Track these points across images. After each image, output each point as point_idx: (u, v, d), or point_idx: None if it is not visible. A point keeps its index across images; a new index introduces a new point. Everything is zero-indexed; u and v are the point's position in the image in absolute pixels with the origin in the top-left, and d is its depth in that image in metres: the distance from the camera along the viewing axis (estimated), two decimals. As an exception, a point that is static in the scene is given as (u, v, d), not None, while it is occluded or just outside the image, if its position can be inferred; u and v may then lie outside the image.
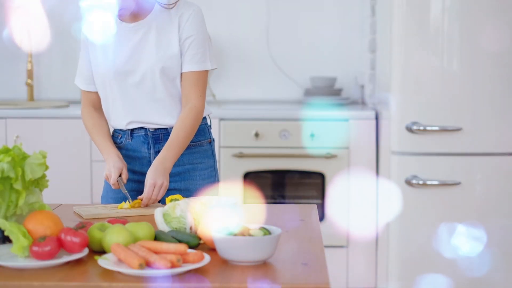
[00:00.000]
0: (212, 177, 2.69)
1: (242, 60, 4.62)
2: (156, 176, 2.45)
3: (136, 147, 2.63)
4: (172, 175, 2.57)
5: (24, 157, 1.94)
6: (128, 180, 2.62)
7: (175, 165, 2.57)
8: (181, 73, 2.58)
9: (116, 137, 2.68)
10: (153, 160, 2.60)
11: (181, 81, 2.58)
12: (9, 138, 4.07)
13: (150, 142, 2.61)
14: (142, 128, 2.61)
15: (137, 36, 2.54)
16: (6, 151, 1.92)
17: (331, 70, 4.61)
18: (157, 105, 2.57)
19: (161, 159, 2.50)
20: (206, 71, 2.59)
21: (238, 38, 4.61)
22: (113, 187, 2.51)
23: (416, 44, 3.62)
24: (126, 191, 2.49)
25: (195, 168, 2.63)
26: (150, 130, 2.60)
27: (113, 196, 2.65)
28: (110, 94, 2.59)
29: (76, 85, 2.69)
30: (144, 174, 2.61)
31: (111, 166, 2.51)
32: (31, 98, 4.57)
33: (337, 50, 4.61)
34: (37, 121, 4.09)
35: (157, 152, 2.60)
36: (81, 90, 2.69)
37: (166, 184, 2.46)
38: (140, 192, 2.62)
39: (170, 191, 2.59)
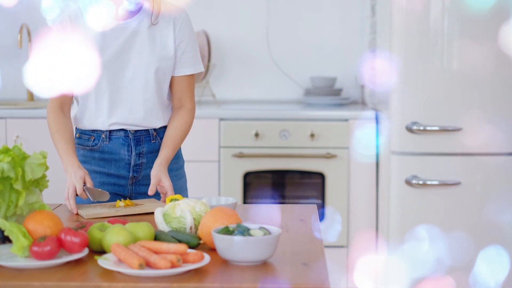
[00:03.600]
0: (184, 176, 2.72)
1: (242, 60, 4.62)
2: (169, 177, 2.48)
3: (114, 149, 2.59)
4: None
5: (24, 157, 1.94)
6: (103, 183, 2.60)
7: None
8: (172, 76, 2.60)
9: (85, 139, 2.61)
10: (133, 162, 2.58)
11: (171, 84, 2.60)
12: (9, 138, 4.07)
13: (131, 144, 2.58)
14: (121, 129, 2.58)
15: (125, 34, 2.53)
16: (6, 151, 1.92)
17: (331, 70, 4.61)
18: (145, 105, 2.56)
19: (167, 159, 2.51)
20: (195, 74, 2.64)
21: (238, 38, 4.61)
22: (82, 197, 2.44)
23: (416, 44, 3.62)
24: (96, 199, 2.43)
25: (171, 169, 2.62)
26: (131, 132, 2.58)
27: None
28: (96, 92, 2.54)
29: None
30: (120, 177, 2.60)
31: (73, 177, 2.44)
32: (31, 98, 4.57)
33: (337, 50, 4.61)
34: (37, 121, 4.09)
35: (138, 154, 2.58)
36: None
37: None
38: (116, 194, 2.60)
39: (147, 195, 2.59)
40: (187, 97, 2.61)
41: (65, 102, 2.59)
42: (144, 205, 2.42)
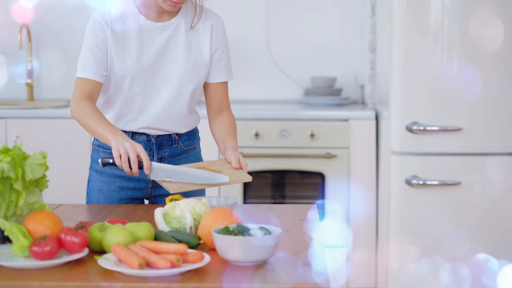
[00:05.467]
0: None
1: (242, 60, 4.62)
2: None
3: None
4: None
5: (24, 157, 1.94)
6: (123, 188, 2.58)
7: None
8: (208, 82, 2.61)
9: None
10: None
11: (209, 90, 2.62)
12: (9, 138, 4.07)
13: (154, 148, 2.56)
14: (143, 134, 2.56)
15: (163, 36, 2.51)
16: (6, 151, 1.92)
17: (331, 70, 4.61)
18: (174, 111, 2.54)
19: (236, 147, 2.52)
20: None
21: (238, 38, 4.61)
22: (146, 173, 2.31)
23: (416, 44, 3.62)
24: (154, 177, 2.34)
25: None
26: (153, 136, 2.56)
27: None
28: (128, 93, 2.51)
29: (83, 77, 2.46)
30: (141, 181, 2.58)
31: (135, 146, 2.31)
32: (31, 98, 4.57)
33: (337, 50, 4.62)
34: (37, 121, 4.09)
35: (159, 159, 2.56)
36: (81, 81, 2.46)
37: None
38: (135, 199, 2.60)
39: (166, 197, 2.57)
40: (226, 101, 2.66)
41: (93, 92, 2.47)
42: (224, 172, 2.40)
